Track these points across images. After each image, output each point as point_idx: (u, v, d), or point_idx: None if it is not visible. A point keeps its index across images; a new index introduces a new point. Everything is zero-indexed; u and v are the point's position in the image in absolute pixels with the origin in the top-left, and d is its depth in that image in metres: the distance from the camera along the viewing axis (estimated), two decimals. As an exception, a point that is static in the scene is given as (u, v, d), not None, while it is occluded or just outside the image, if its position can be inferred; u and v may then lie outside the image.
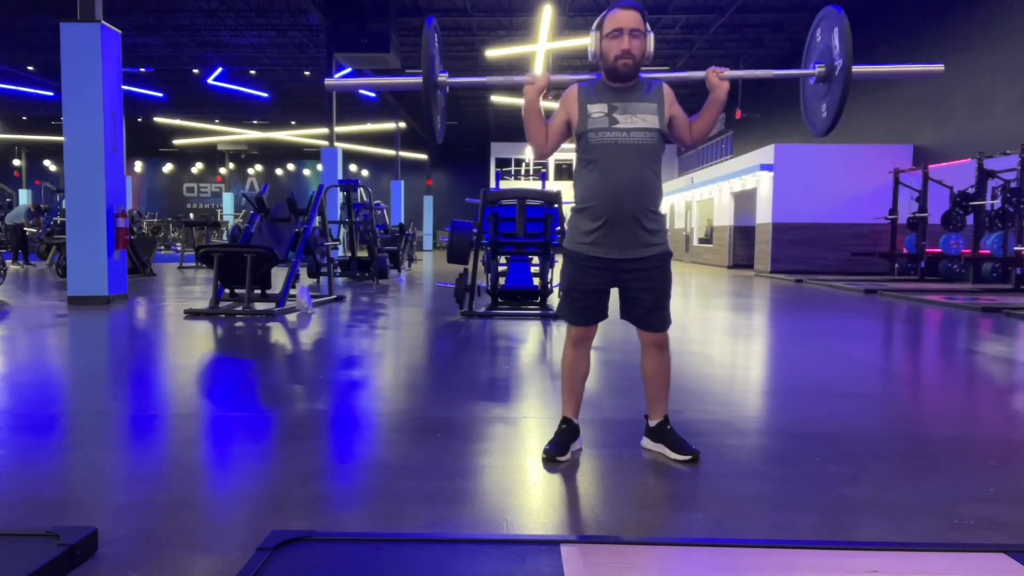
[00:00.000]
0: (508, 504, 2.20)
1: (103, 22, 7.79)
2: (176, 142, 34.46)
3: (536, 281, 8.01)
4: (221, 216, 33.39)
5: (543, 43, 17.25)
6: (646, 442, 2.74)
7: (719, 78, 2.55)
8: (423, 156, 34.76)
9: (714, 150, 28.38)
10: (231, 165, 37.90)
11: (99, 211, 7.85)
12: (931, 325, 7.33)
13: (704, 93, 2.61)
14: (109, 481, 2.43)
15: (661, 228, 2.59)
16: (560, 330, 6.14)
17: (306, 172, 38.40)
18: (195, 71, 24.55)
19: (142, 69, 23.76)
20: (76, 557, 1.69)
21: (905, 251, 13.58)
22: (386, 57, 16.53)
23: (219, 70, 23.98)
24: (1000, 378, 4.58)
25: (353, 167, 36.24)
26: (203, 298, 8.38)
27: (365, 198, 13.49)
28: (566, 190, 6.75)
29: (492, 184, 17.27)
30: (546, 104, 2.59)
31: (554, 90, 2.67)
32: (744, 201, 18.80)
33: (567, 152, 13.03)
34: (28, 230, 15.19)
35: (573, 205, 2.66)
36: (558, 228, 7.43)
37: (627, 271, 2.55)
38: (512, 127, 31.98)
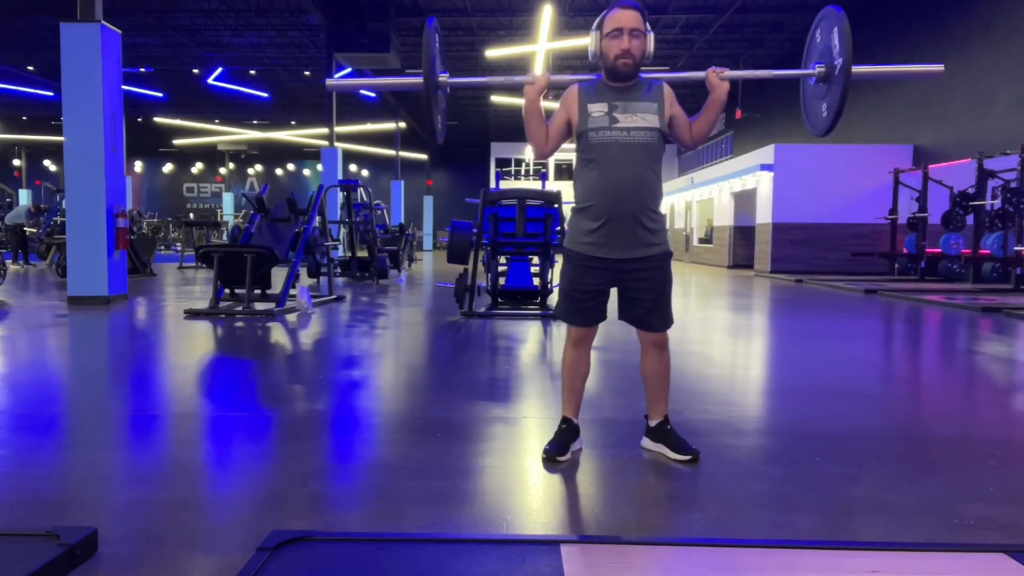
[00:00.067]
0: (508, 504, 2.20)
1: (103, 22, 7.79)
2: (176, 142, 34.46)
3: (536, 281, 8.01)
4: (221, 216, 33.39)
5: (543, 43, 17.25)
6: (646, 442, 2.74)
7: (719, 78, 2.55)
8: (423, 156, 34.76)
9: (714, 150, 28.39)
10: (231, 165, 37.89)
11: (99, 211, 7.85)
12: (931, 325, 7.33)
13: (704, 93, 2.61)
14: (109, 481, 2.43)
15: (661, 228, 2.59)
16: (560, 330, 6.14)
17: (306, 172, 38.40)
18: (195, 71, 24.55)
19: (142, 69, 23.76)
20: (76, 557, 1.69)
21: (905, 251, 13.58)
22: (386, 57, 16.54)
23: (219, 70, 23.98)
24: (1000, 378, 4.58)
25: (353, 167, 36.23)
26: (203, 298, 8.38)
27: (365, 198, 13.49)
28: (566, 190, 6.74)
29: (492, 184, 17.27)
30: (546, 104, 2.59)
31: (554, 90, 2.67)
32: (744, 201, 18.80)
33: (567, 152, 13.03)
34: (28, 230, 15.19)
35: (573, 205, 2.66)
36: (558, 228, 7.43)
37: (627, 271, 2.55)
38: (512, 127, 31.99)
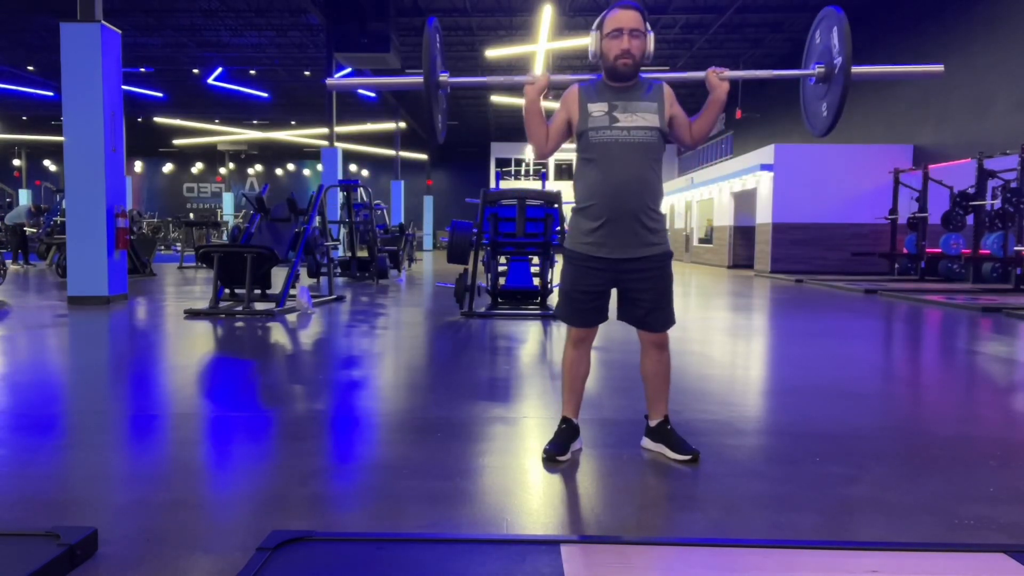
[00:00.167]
0: (508, 504, 2.20)
1: (103, 22, 7.79)
2: (176, 142, 34.46)
3: (536, 281, 8.01)
4: (221, 216, 33.38)
5: (543, 43, 17.25)
6: (646, 442, 2.74)
7: (719, 78, 2.56)
8: (423, 156, 34.77)
9: (714, 150, 28.39)
10: (231, 165, 37.89)
11: (99, 211, 7.85)
12: (931, 325, 7.33)
13: (704, 93, 2.61)
14: (109, 481, 2.43)
15: (662, 228, 2.59)
16: (560, 330, 6.14)
17: (306, 172, 38.39)
18: (195, 71, 24.56)
19: (142, 69, 23.76)
20: (76, 557, 1.69)
21: (905, 251, 13.59)
22: (386, 57, 16.54)
23: (219, 70, 23.98)
24: (1000, 378, 4.58)
25: (353, 167, 36.23)
26: (203, 298, 8.38)
27: (365, 198, 13.49)
28: (566, 190, 6.74)
29: (492, 184, 17.27)
30: (546, 104, 2.60)
31: (554, 90, 2.68)
32: (744, 201, 18.80)
33: (567, 152, 13.05)
34: (28, 230, 15.19)
35: (573, 205, 2.66)
36: (558, 228, 7.43)
37: (628, 271, 2.55)
38: (512, 127, 31.99)
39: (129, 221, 8.91)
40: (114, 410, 3.41)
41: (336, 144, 17.99)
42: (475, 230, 7.27)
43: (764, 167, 16.12)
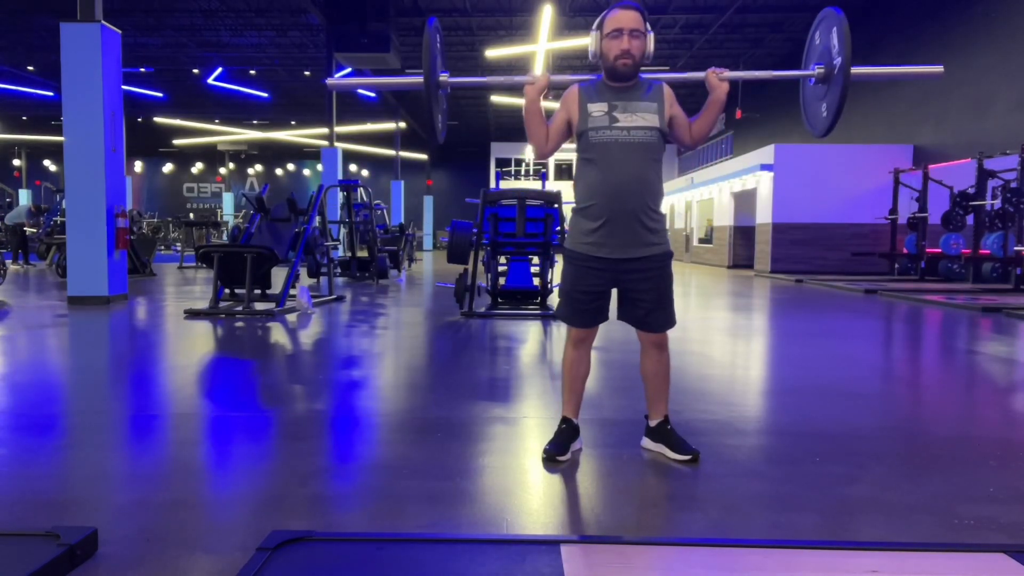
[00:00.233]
0: (508, 504, 2.20)
1: (103, 22, 7.79)
2: (176, 142, 34.46)
3: (536, 281, 8.01)
4: (221, 216, 33.38)
5: (543, 43, 17.25)
6: (646, 442, 2.74)
7: (719, 79, 2.56)
8: (423, 156, 34.76)
9: (714, 150, 28.39)
10: (231, 165, 37.89)
11: (99, 211, 7.85)
12: (931, 325, 7.33)
13: (704, 93, 2.61)
14: (109, 481, 2.43)
15: (662, 228, 2.59)
16: (560, 330, 6.14)
17: (306, 172, 38.39)
18: (195, 71, 24.55)
19: (142, 69, 23.75)
20: (76, 557, 1.69)
21: (905, 251, 13.58)
22: (386, 57, 16.53)
23: (219, 70, 23.98)
24: (1000, 378, 4.58)
25: (353, 167, 36.23)
26: (203, 298, 8.38)
27: (365, 198, 13.49)
28: (566, 190, 6.74)
29: (492, 184, 17.27)
30: (546, 104, 2.60)
31: (554, 90, 2.68)
32: (744, 201, 18.80)
33: (567, 152, 13.03)
34: (28, 230, 15.19)
35: (574, 205, 2.66)
36: (558, 228, 7.43)
37: (628, 271, 2.55)
38: (512, 127, 31.99)
39: (129, 221, 8.91)
40: (114, 410, 3.41)
41: (336, 144, 17.99)
42: (475, 230, 7.28)
43: (764, 167, 16.12)
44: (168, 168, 38.96)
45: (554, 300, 7.27)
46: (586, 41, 2.64)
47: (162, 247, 23.84)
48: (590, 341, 2.72)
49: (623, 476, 2.48)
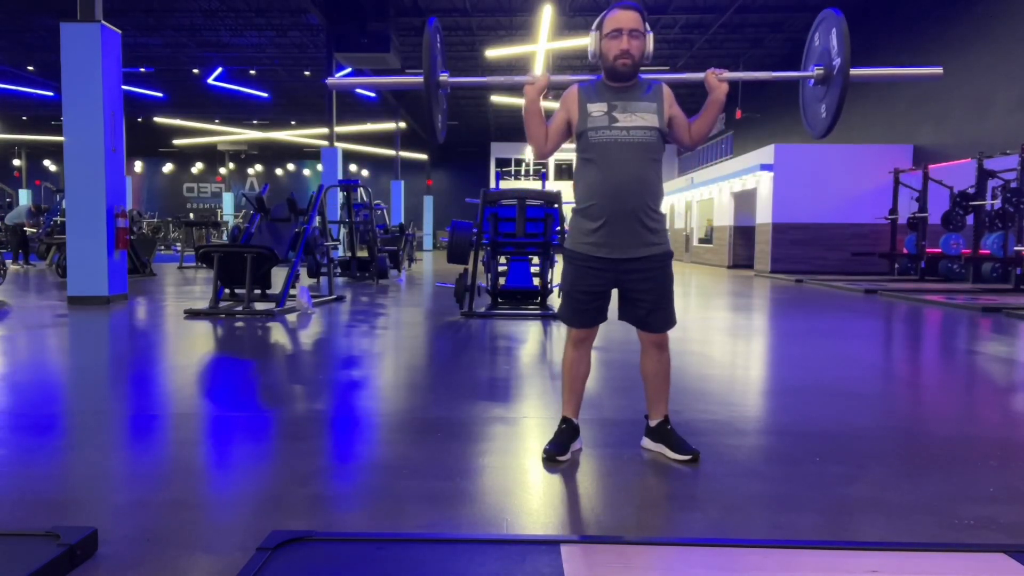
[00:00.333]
0: (508, 504, 2.20)
1: (103, 22, 7.79)
2: (176, 142, 34.46)
3: (536, 281, 8.01)
4: (221, 216, 33.38)
5: (543, 43, 17.25)
6: (646, 442, 2.74)
7: (718, 79, 2.56)
8: (423, 156, 34.76)
9: (714, 150, 28.40)
10: (231, 165, 37.89)
11: (99, 211, 7.85)
12: (931, 325, 7.33)
13: (704, 93, 2.61)
14: (109, 481, 2.43)
15: (662, 227, 2.59)
16: (560, 330, 6.14)
17: (306, 172, 38.39)
18: (195, 71, 24.55)
19: (142, 69, 23.75)
20: (76, 557, 1.69)
21: (905, 251, 13.58)
22: (386, 57, 16.54)
23: (219, 70, 23.98)
24: (1000, 378, 4.58)
25: (353, 167, 36.23)
26: (203, 298, 8.38)
27: (365, 198, 13.49)
28: (566, 190, 6.75)
29: (492, 184, 17.27)
30: (546, 104, 2.60)
31: (554, 90, 2.68)
32: (744, 201, 18.80)
33: (567, 152, 13.04)
34: (28, 230, 15.19)
35: (574, 206, 2.66)
36: (558, 228, 7.43)
37: (628, 271, 2.55)
38: (512, 127, 31.98)
39: (129, 221, 8.91)
40: (114, 410, 3.41)
41: (336, 144, 18.00)
42: (475, 230, 7.28)
43: (764, 167, 16.12)
44: (168, 168, 38.96)
45: (554, 300, 7.27)
46: (586, 41, 2.65)
47: (162, 247, 23.84)
48: (590, 341, 2.72)
49: (623, 476, 2.48)
